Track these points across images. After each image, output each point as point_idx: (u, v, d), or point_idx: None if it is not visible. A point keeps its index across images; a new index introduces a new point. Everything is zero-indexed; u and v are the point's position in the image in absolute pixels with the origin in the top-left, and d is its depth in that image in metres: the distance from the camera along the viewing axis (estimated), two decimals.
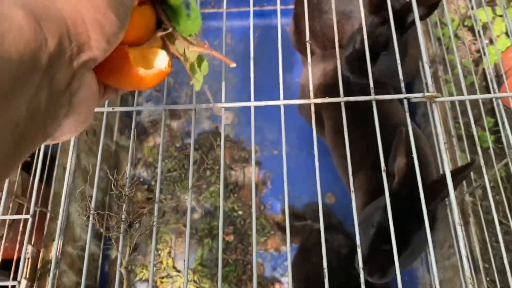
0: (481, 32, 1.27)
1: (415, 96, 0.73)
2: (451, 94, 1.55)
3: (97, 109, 0.81)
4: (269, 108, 1.75)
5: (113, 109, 0.76)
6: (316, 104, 1.38)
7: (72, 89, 0.35)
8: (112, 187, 0.65)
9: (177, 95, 1.85)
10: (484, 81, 1.78)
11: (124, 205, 0.65)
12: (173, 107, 0.78)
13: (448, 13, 1.82)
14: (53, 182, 1.37)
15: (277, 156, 1.71)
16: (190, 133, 1.79)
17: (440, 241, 1.37)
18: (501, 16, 1.76)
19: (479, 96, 0.75)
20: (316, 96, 1.38)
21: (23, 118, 0.30)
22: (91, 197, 0.76)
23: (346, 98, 0.74)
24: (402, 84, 0.75)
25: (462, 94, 1.71)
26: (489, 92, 1.75)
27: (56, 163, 1.39)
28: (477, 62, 1.81)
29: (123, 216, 0.65)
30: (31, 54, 0.29)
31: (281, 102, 0.75)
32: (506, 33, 1.74)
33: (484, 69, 1.76)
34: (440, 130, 0.72)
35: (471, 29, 1.85)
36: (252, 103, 0.76)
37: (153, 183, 1.69)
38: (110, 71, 0.42)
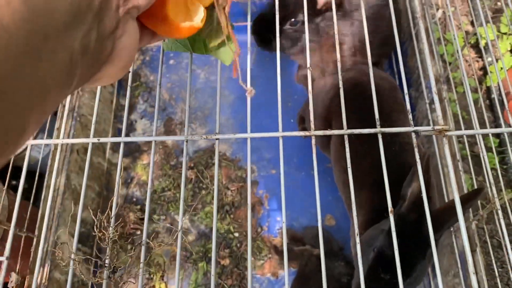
0: (490, 49, 1.22)
1: (424, 130, 0.68)
2: (455, 114, 1.50)
3: (82, 140, 0.76)
4: (266, 124, 1.69)
5: (98, 140, 0.70)
6: (328, 111, 1.33)
7: (116, 34, 0.38)
8: (95, 228, 0.59)
9: (172, 111, 1.80)
10: (487, 100, 1.74)
11: (107, 249, 0.60)
12: (163, 138, 0.73)
13: (451, 30, 1.78)
14: (41, 204, 1.31)
15: (274, 175, 1.65)
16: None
17: (444, 269, 1.32)
18: (505, 33, 1.72)
19: (489, 131, 0.70)
20: (331, 100, 1.33)
21: (76, 52, 0.32)
22: (81, 223, 0.70)
23: (350, 131, 0.69)
24: (410, 116, 0.70)
25: (468, 113, 1.67)
26: (493, 110, 1.71)
27: (45, 183, 1.33)
28: (481, 79, 1.76)
29: (106, 261, 0.59)
30: None
31: (280, 134, 0.70)
32: (511, 51, 1.69)
33: (488, 87, 1.72)
34: (450, 166, 0.67)
35: (474, 46, 1.80)
36: (249, 135, 0.70)
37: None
38: (150, 15, 0.45)
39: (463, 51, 1.74)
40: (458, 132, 0.69)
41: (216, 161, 0.73)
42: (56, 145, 1.33)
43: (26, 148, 1.13)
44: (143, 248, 0.61)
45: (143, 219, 1.56)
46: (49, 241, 1.31)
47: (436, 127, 0.68)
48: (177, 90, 1.83)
